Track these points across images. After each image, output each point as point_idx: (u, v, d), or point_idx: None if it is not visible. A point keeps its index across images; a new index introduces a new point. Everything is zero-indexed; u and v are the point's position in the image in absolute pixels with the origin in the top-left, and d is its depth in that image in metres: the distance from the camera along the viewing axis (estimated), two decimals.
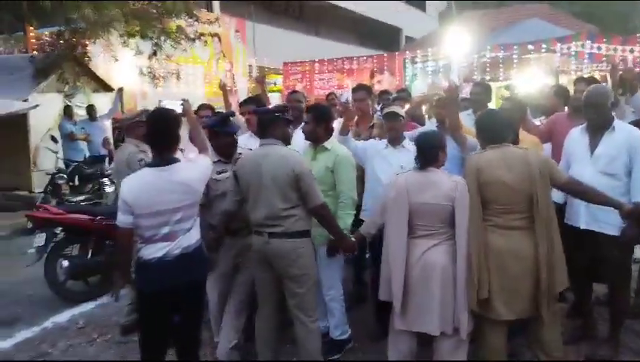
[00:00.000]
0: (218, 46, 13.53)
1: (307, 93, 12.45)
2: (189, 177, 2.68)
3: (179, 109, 3.16)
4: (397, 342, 2.99)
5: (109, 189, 7.70)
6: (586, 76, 9.42)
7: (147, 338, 2.76)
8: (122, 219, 2.64)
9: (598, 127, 3.32)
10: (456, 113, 3.57)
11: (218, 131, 3.34)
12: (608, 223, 3.19)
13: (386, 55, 13.10)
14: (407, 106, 4.71)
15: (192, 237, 2.70)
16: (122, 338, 3.87)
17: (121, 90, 8.04)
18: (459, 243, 2.83)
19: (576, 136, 3.46)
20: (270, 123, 3.07)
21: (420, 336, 2.97)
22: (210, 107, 4.94)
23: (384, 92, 5.98)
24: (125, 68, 8.25)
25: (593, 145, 3.32)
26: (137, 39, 7.58)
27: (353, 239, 3.18)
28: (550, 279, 2.78)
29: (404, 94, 5.60)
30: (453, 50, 10.16)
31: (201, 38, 8.80)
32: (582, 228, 3.26)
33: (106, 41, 6.79)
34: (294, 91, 5.19)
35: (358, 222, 3.49)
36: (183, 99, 3.28)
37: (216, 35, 12.59)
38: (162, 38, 7.83)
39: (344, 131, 3.71)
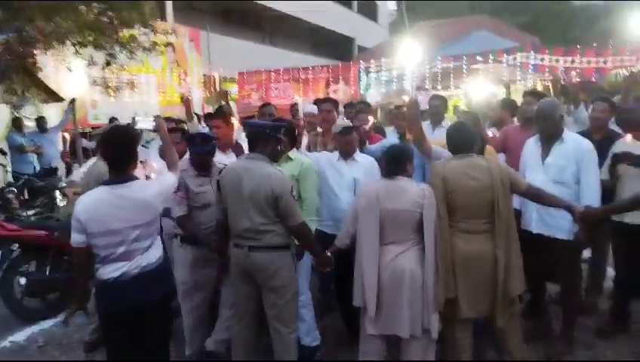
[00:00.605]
0: (172, 56, 13.36)
1: (262, 103, 12.51)
2: (146, 195, 2.63)
3: (151, 125, 3.17)
4: (368, 346, 3.09)
5: (61, 203, 7.45)
6: (530, 86, 9.96)
7: (112, 360, 2.71)
8: (76, 239, 2.59)
9: (549, 138, 3.54)
10: (419, 126, 3.72)
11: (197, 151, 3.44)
12: (557, 228, 3.42)
13: (340, 65, 13.29)
14: (371, 118, 4.83)
15: (150, 255, 2.64)
16: (87, 356, 3.77)
17: (73, 101, 7.82)
18: (427, 248, 2.95)
19: (531, 146, 3.68)
20: (261, 139, 3.07)
21: (387, 338, 3.07)
22: (173, 120, 4.92)
23: (349, 105, 6.09)
24: (77, 78, 8.02)
25: (544, 155, 3.54)
26: (90, 49, 7.40)
27: (329, 254, 3.25)
28: (506, 283, 2.94)
29: (363, 106, 5.71)
30: (406, 60, 10.45)
31: (156, 47, 8.65)
32: (534, 232, 3.45)
33: (59, 52, 6.59)
34: (267, 104, 5.22)
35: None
36: (156, 115, 3.29)
37: (170, 44, 12.44)
38: (116, 48, 7.67)
39: (297, 145, 3.79)
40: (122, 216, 2.54)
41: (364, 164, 3.75)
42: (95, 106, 11.24)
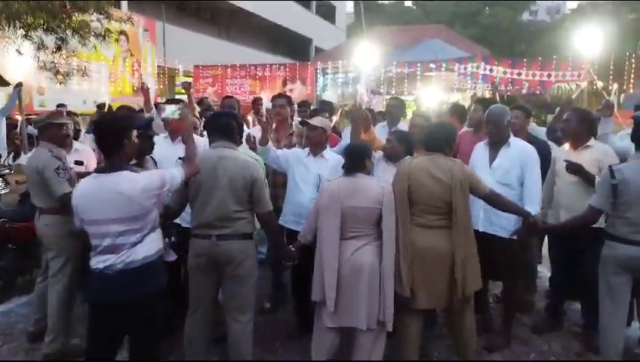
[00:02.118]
0: (125, 44, 13.00)
1: (218, 97, 12.39)
2: (131, 188, 2.46)
3: (176, 114, 3.12)
4: (322, 338, 3.16)
5: (2, 191, 7.13)
6: (480, 95, 10.36)
7: (90, 350, 2.61)
8: (75, 222, 2.61)
9: (497, 142, 3.75)
10: (358, 130, 3.86)
11: (141, 133, 3.31)
12: (502, 227, 3.62)
13: (298, 64, 13.36)
14: (333, 118, 4.92)
15: (137, 252, 2.49)
16: (30, 345, 3.68)
17: (20, 85, 7.49)
18: (385, 243, 3.06)
19: (480, 150, 3.88)
20: (228, 126, 3.12)
21: (341, 329, 3.16)
22: (129, 108, 4.83)
23: (303, 103, 6.16)
24: (23, 62, 7.68)
25: (492, 158, 3.74)
26: (41, 32, 7.11)
27: (292, 248, 3.32)
28: (464, 280, 3.08)
29: (326, 107, 5.78)
30: (362, 63, 10.65)
31: (109, 35, 8.40)
32: (480, 230, 3.64)
33: (8, 33, 6.30)
34: (229, 97, 5.22)
35: None
36: (181, 106, 3.22)
37: (123, 32, 12.11)
38: (68, 32, 7.40)
39: (263, 142, 3.82)
40: (105, 207, 2.44)
41: (332, 162, 3.75)
42: (42, 93, 10.80)
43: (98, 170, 2.60)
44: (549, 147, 4.22)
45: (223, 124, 3.14)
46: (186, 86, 5.30)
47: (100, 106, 7.03)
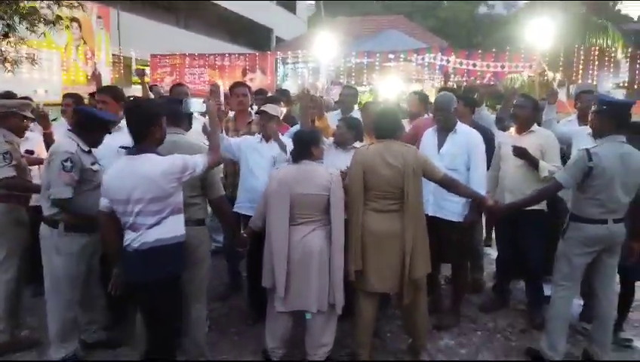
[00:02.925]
0: (78, 32, 12.62)
1: None
2: (152, 171, 2.54)
3: (202, 107, 3.11)
4: (275, 323, 3.22)
5: None
6: (437, 86, 10.57)
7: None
8: (101, 202, 2.72)
9: (445, 129, 3.87)
10: (306, 116, 3.91)
11: (104, 128, 3.30)
12: (450, 211, 3.75)
13: (258, 54, 13.27)
14: (283, 109, 4.94)
15: (151, 234, 2.56)
16: None
17: None
18: (334, 228, 3.13)
19: (429, 136, 3.99)
20: (177, 113, 3.12)
21: (293, 314, 3.22)
22: (75, 95, 4.71)
23: (259, 91, 6.15)
24: None
25: (440, 144, 3.86)
26: None
27: (245, 235, 3.35)
28: (412, 264, 3.17)
29: (281, 96, 5.78)
30: (322, 53, 10.71)
31: (60, 22, 8.14)
32: (429, 214, 3.75)
33: None
34: (179, 84, 5.14)
35: None
36: (206, 99, 3.19)
37: (76, 20, 11.74)
38: (16, 18, 7.14)
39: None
40: (129, 188, 2.54)
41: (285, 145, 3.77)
42: None
43: (127, 153, 2.68)
44: (492, 133, 4.38)
45: (173, 110, 3.11)
46: (140, 73, 5.21)
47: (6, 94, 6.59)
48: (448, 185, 3.36)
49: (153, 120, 2.67)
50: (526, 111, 4.02)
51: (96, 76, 4.83)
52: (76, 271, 3.22)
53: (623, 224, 3.22)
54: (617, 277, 3.53)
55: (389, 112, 3.47)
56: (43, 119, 4.04)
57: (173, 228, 2.64)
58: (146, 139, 2.64)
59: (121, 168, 2.61)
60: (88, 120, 3.26)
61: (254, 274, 3.70)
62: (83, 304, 3.40)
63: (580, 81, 11.15)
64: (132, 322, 3.15)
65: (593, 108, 3.81)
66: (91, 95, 5.10)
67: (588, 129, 3.91)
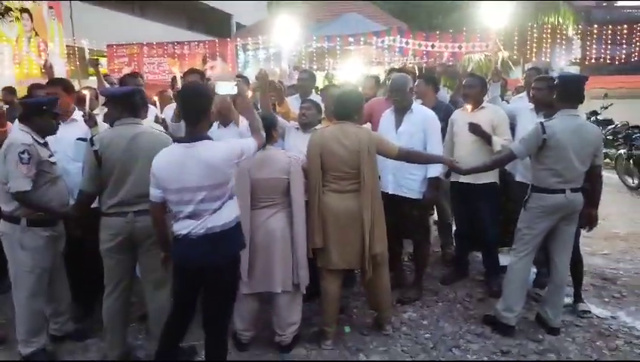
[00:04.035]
0: (29, 23, 12.18)
1: None
2: (213, 157, 2.56)
3: (233, 90, 3.05)
4: (242, 306, 3.29)
5: None
6: (396, 67, 10.71)
7: (174, 309, 2.83)
8: (152, 193, 2.69)
9: (401, 109, 3.98)
10: (265, 98, 3.96)
11: (47, 110, 3.22)
12: (409, 188, 3.88)
13: (217, 41, 13.12)
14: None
15: (218, 219, 2.61)
16: None
17: None
18: (295, 210, 3.22)
19: (387, 117, 4.10)
20: (131, 102, 3.09)
21: (260, 295, 3.30)
22: (39, 85, 4.62)
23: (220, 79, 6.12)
24: None
25: (398, 124, 3.98)
26: None
27: None
28: (371, 238, 3.28)
29: (240, 80, 5.78)
30: (283, 38, 10.68)
31: (10, 13, 7.89)
32: (390, 193, 3.87)
33: None
34: (133, 74, 5.05)
35: None
36: (238, 80, 3.13)
37: (26, 10, 11.35)
38: None
39: (177, 119, 3.80)
40: (188, 176, 2.54)
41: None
42: None
43: (180, 140, 2.66)
44: (453, 110, 4.52)
45: (129, 100, 3.11)
46: (94, 63, 5.11)
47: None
48: (406, 156, 3.45)
49: (209, 104, 2.67)
50: (476, 90, 4.17)
51: (47, 68, 4.73)
52: (42, 264, 3.21)
53: (580, 193, 3.40)
54: None
55: (348, 95, 3.55)
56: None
57: (233, 210, 2.71)
58: (200, 125, 2.64)
59: (177, 157, 2.58)
60: (32, 108, 3.21)
61: None
62: (50, 297, 3.40)
63: (534, 59, 11.49)
64: (99, 313, 3.18)
65: (535, 83, 4.00)
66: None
67: (531, 105, 4.11)
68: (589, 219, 3.59)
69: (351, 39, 11.94)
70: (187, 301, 2.80)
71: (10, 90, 6.90)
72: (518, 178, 4.13)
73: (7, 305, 3.34)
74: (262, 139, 2.95)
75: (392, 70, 5.61)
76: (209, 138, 2.66)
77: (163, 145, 3.02)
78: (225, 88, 3.22)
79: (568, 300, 3.86)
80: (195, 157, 2.55)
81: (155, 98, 4.46)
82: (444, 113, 4.33)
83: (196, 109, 2.64)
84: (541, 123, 3.35)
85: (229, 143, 2.74)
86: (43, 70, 8.25)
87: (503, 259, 4.22)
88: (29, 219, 3.14)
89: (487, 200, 4.09)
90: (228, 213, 2.66)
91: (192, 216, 2.59)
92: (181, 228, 2.62)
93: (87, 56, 6.05)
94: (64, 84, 3.86)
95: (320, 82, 10.52)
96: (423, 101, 4.57)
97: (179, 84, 4.90)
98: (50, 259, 3.26)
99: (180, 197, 2.57)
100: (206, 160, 2.55)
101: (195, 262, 2.65)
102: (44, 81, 4.74)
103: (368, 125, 4.56)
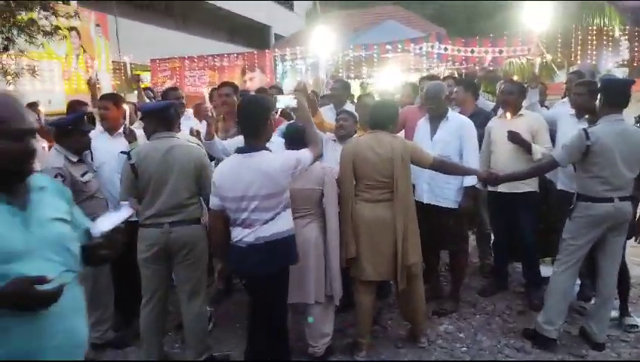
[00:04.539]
0: (77, 41, 12.74)
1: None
2: (269, 167, 2.65)
3: (293, 102, 3.17)
4: None
5: None
6: (433, 73, 10.59)
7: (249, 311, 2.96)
8: (212, 201, 2.80)
9: (437, 117, 3.93)
10: (304, 109, 3.94)
11: (73, 130, 3.36)
12: (445, 198, 3.81)
13: (256, 53, 13.33)
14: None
15: (268, 229, 2.66)
16: None
17: None
18: (329, 221, 3.23)
19: (422, 125, 4.06)
20: (169, 117, 3.20)
21: (292, 306, 3.30)
22: (79, 102, 4.80)
23: (260, 90, 6.19)
24: None
25: (433, 132, 3.92)
26: None
27: None
28: (404, 249, 3.24)
29: (274, 91, 5.85)
30: (320, 48, 10.75)
31: (58, 32, 8.25)
32: (424, 202, 3.81)
33: None
34: (173, 88, 5.19)
35: None
36: (296, 93, 3.26)
37: (74, 29, 11.86)
38: (14, 31, 7.26)
39: (209, 137, 3.86)
40: (244, 185, 2.63)
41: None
42: None
43: (239, 151, 2.75)
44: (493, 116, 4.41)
45: (163, 114, 3.20)
46: (135, 79, 5.31)
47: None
48: (440, 167, 3.41)
49: (267, 117, 2.76)
50: (514, 96, 4.06)
51: (91, 84, 4.92)
52: (83, 273, 3.30)
53: (629, 202, 3.25)
54: None
55: (383, 105, 3.54)
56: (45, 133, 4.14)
57: (286, 222, 2.75)
58: (259, 136, 2.72)
59: (235, 166, 2.68)
60: (59, 129, 3.35)
61: None
62: (94, 305, 3.51)
63: (579, 62, 11.11)
64: (138, 321, 3.26)
65: (576, 88, 3.86)
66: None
67: (572, 110, 3.96)
68: (639, 229, 3.42)
69: (388, 47, 11.90)
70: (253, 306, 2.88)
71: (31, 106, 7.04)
72: (559, 186, 4.00)
73: None
74: (319, 150, 2.97)
75: (424, 78, 5.54)
76: (267, 149, 2.73)
77: (197, 157, 3.11)
78: (285, 101, 3.27)
79: (614, 314, 3.68)
80: (252, 167, 2.64)
81: (191, 110, 4.56)
82: (482, 120, 4.24)
83: (255, 121, 2.72)
84: (584, 129, 3.23)
85: (285, 154, 2.81)
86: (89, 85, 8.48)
87: (545, 271, 4.07)
88: None
89: (527, 210, 3.96)
90: (279, 225, 2.70)
91: (244, 224, 2.66)
92: (235, 235, 2.71)
93: (130, 72, 6.25)
94: (114, 99, 4.05)
95: (356, 90, 10.51)
96: (462, 108, 4.49)
97: (207, 102, 4.95)
98: (91, 269, 3.36)
99: (238, 205, 2.66)
100: (262, 170, 2.63)
101: (244, 271, 2.73)
102: (88, 96, 4.95)
103: (402, 133, 4.53)
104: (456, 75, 11.80)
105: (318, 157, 3.01)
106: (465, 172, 3.61)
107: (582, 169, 3.28)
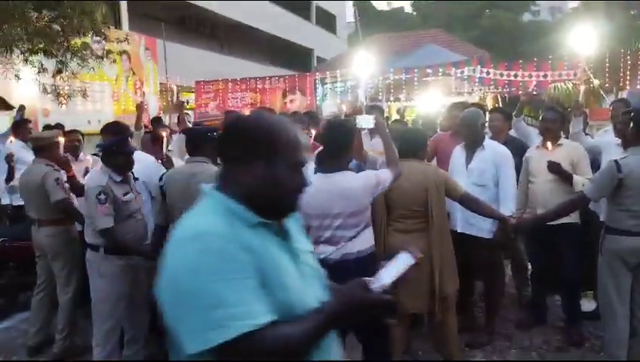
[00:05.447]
0: (127, 64, 13.30)
1: (219, 111, 12.56)
2: (354, 186, 2.76)
3: (371, 124, 3.26)
4: None
5: None
6: (478, 98, 10.46)
7: None
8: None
9: (472, 145, 3.87)
10: (384, 129, 3.94)
11: (117, 151, 3.45)
12: (479, 227, 3.73)
13: (297, 75, 13.54)
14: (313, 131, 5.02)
15: (352, 246, 2.75)
16: (29, 358, 3.86)
17: (22, 108, 7.74)
18: None
19: (457, 153, 4.00)
20: (202, 142, 3.26)
21: None
22: (117, 123, 4.99)
23: (294, 114, 6.29)
24: (26, 86, 7.96)
25: (468, 160, 3.86)
26: (41, 56, 7.37)
27: None
28: (441, 281, 3.19)
29: (305, 117, 5.84)
30: (360, 71, 10.82)
31: (109, 55, 8.67)
32: (458, 231, 3.74)
33: (7, 59, 6.55)
34: (230, 111, 5.38)
35: None
36: (375, 113, 3.43)
37: (125, 52, 12.40)
38: (68, 55, 7.66)
39: None
40: (328, 203, 2.72)
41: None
42: (47, 115, 11.07)
43: (322, 171, 2.84)
44: (526, 146, 4.32)
45: (197, 140, 3.28)
46: (179, 104, 5.53)
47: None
48: (468, 203, 3.36)
49: (350, 138, 2.85)
50: (557, 125, 3.97)
51: (140, 107, 5.15)
52: (117, 291, 3.40)
53: None
54: None
55: (412, 132, 3.52)
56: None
57: (368, 239, 2.83)
58: (340, 157, 2.82)
59: (318, 185, 2.70)
60: (103, 151, 3.47)
61: None
62: (130, 323, 3.60)
63: (628, 87, 10.75)
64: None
65: (622, 117, 3.73)
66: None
67: (617, 140, 3.83)
68: None
69: (429, 70, 11.86)
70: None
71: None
72: (602, 218, 3.85)
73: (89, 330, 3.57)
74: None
75: (454, 106, 5.40)
76: (349, 169, 2.81)
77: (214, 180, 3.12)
78: (364, 122, 3.34)
79: None
80: (336, 186, 2.74)
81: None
82: (515, 149, 4.14)
83: (338, 143, 2.81)
84: (615, 161, 3.11)
85: (365, 174, 2.89)
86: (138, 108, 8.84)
87: (586, 305, 3.91)
88: (106, 248, 3.37)
89: (568, 243, 3.82)
90: (362, 242, 2.78)
91: (329, 241, 2.72)
92: (319, 252, 2.70)
93: (175, 94, 6.53)
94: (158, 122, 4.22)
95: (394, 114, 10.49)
96: (497, 137, 4.41)
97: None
98: (126, 287, 3.45)
99: (320, 223, 2.72)
100: (346, 188, 2.73)
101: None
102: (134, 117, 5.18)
103: (434, 162, 4.49)
104: (499, 100, 11.67)
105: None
106: (489, 214, 3.49)
107: (612, 201, 3.16)
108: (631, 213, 3.07)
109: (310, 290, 1.34)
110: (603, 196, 3.17)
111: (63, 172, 3.98)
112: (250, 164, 1.29)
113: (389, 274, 1.48)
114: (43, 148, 3.96)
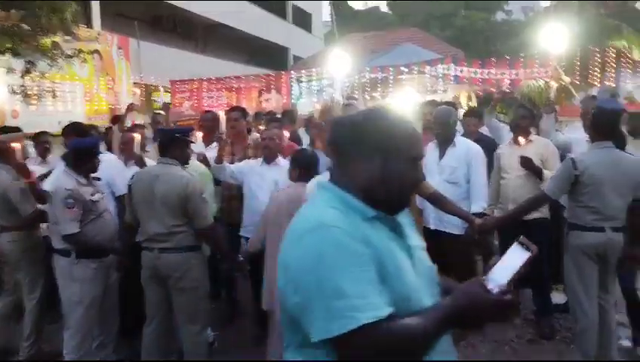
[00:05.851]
0: (99, 63, 13.07)
1: (194, 111, 12.43)
2: None
3: None
4: (279, 346, 3.23)
5: None
6: (452, 96, 10.56)
7: None
8: None
9: (444, 142, 3.90)
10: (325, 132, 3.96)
11: (92, 154, 3.42)
12: (451, 224, 3.75)
13: (273, 74, 13.49)
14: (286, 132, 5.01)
15: None
16: None
17: None
18: None
19: (430, 150, 4.02)
20: (170, 143, 3.21)
21: None
22: (89, 126, 4.94)
23: (269, 113, 6.27)
24: None
25: (440, 156, 3.89)
26: (8, 56, 7.20)
27: (241, 258, 3.44)
28: None
29: (284, 119, 5.79)
30: (336, 70, 10.84)
31: (80, 55, 8.50)
32: (432, 228, 3.77)
33: None
34: (208, 112, 5.30)
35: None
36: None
37: (96, 51, 12.18)
38: (36, 55, 7.49)
39: (218, 160, 3.89)
40: None
41: (286, 167, 3.84)
42: (16, 116, 10.80)
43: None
44: (496, 144, 4.38)
45: (165, 140, 3.25)
46: (166, 107, 5.55)
47: None
48: (436, 201, 3.39)
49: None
50: (527, 121, 4.03)
51: (129, 109, 5.17)
52: (90, 295, 3.34)
53: (621, 233, 3.12)
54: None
55: None
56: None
57: None
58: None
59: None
60: (81, 153, 3.38)
61: (258, 296, 3.76)
62: (98, 328, 3.53)
63: (597, 85, 11.00)
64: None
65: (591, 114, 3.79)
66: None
67: (587, 136, 3.90)
68: (631, 260, 3.22)
69: (404, 69, 11.94)
70: None
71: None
72: (565, 214, 3.91)
73: (58, 335, 3.49)
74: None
75: (426, 103, 5.45)
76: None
77: (177, 186, 3.07)
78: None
79: (628, 343, 3.58)
80: None
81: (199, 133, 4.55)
82: (486, 146, 4.18)
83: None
84: (571, 158, 3.17)
85: None
86: (111, 107, 8.71)
87: (557, 298, 3.98)
88: (77, 252, 3.29)
89: (537, 237, 3.86)
90: None
91: None
92: None
93: (161, 95, 6.63)
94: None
95: None
96: (468, 135, 4.46)
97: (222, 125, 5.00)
98: (98, 289, 3.39)
99: None
100: None
101: None
102: (105, 116, 5.14)
103: None
104: (473, 97, 11.80)
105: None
106: (455, 213, 3.47)
107: (571, 198, 3.21)
108: (589, 209, 3.12)
109: (424, 287, 1.32)
110: (563, 193, 3.22)
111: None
112: (368, 158, 1.30)
113: (504, 272, 1.34)
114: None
